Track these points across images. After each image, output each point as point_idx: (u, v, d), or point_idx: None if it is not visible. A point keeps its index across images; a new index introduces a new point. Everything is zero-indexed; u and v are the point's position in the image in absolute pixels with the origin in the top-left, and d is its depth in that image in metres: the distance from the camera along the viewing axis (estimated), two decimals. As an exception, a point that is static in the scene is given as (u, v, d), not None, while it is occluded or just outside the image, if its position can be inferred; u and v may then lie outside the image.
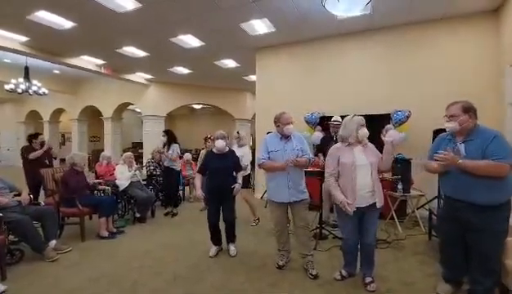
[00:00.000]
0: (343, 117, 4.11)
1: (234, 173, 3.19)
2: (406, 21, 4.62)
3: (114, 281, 2.60)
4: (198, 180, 3.21)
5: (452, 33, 4.48)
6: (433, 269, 2.73)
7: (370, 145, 2.43)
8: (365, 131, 2.34)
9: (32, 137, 4.80)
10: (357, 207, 2.28)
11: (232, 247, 3.18)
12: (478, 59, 4.32)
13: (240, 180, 3.19)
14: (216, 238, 3.20)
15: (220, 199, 3.11)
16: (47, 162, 4.65)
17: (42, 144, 4.76)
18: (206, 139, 5.10)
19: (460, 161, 1.94)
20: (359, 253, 2.50)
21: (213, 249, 3.18)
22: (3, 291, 2.34)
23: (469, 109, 2.03)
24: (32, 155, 4.51)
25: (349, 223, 2.39)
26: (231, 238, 3.22)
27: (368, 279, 2.44)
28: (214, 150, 3.19)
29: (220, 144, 3.11)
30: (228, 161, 3.14)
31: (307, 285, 2.50)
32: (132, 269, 2.83)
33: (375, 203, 2.31)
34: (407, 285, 2.49)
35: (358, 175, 2.28)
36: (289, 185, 2.63)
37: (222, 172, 3.08)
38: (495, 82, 4.13)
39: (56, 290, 2.46)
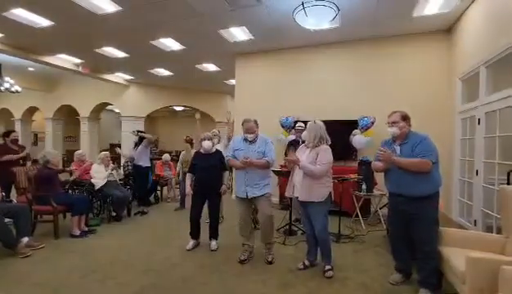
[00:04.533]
0: (305, 122, 4.50)
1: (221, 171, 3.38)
2: (371, 35, 5.04)
3: (85, 275, 2.67)
4: (188, 179, 3.42)
5: (411, 47, 4.95)
6: (385, 259, 3.04)
7: (323, 149, 2.65)
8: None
9: (4, 135, 4.68)
10: (297, 198, 2.71)
11: (214, 243, 3.35)
12: (434, 72, 4.80)
13: (225, 181, 3.40)
14: (194, 232, 3.36)
15: (205, 196, 3.31)
16: (20, 161, 4.55)
17: (14, 141, 4.66)
18: (187, 140, 5.28)
19: (394, 158, 2.34)
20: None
21: (191, 243, 3.33)
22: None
23: (405, 117, 2.44)
24: (5, 158, 4.40)
25: (302, 215, 2.76)
26: (214, 234, 3.39)
27: (327, 267, 2.70)
28: (202, 150, 3.40)
29: (207, 144, 3.35)
30: (214, 160, 3.35)
31: (270, 274, 2.71)
32: (103, 264, 2.90)
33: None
34: (361, 272, 2.77)
35: (296, 170, 2.74)
36: (246, 183, 2.90)
37: (208, 171, 3.28)
38: (447, 93, 4.60)
39: (25, 283, 2.50)
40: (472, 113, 3.71)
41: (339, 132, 4.50)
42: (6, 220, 3.10)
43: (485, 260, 1.78)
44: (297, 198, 2.74)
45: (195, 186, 3.33)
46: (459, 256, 2.07)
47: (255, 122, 2.97)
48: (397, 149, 2.45)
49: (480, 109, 3.44)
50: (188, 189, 3.35)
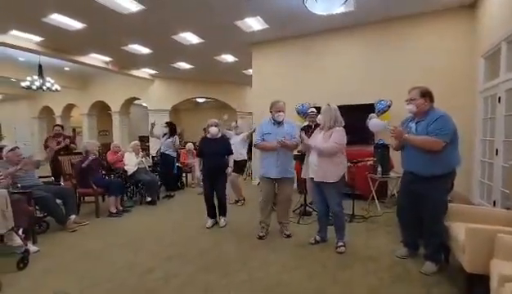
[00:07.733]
0: (317, 108, 4.57)
1: (226, 156, 3.63)
2: (388, 17, 4.93)
3: (123, 247, 3.09)
4: (197, 164, 3.69)
5: (430, 27, 4.77)
6: (397, 237, 3.11)
7: (336, 130, 2.78)
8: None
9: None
10: (311, 178, 2.84)
11: (222, 220, 3.66)
12: (454, 51, 4.62)
13: (231, 164, 3.65)
14: (211, 212, 3.68)
15: (213, 178, 3.58)
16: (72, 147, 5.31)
17: (57, 135, 5.29)
18: (205, 129, 5.57)
19: (406, 135, 2.32)
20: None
21: (209, 221, 3.67)
22: (36, 251, 2.87)
23: (425, 94, 2.32)
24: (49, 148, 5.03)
25: (315, 194, 2.92)
26: (223, 212, 3.70)
27: (339, 243, 2.87)
28: (209, 136, 3.65)
29: (213, 130, 3.59)
30: (220, 145, 3.60)
31: (283, 247, 2.95)
32: (137, 238, 3.33)
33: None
34: (371, 247, 2.92)
35: (312, 152, 2.85)
36: (277, 164, 3.06)
37: (214, 155, 3.54)
38: (469, 72, 4.43)
39: (75, 251, 2.98)
40: (493, 92, 3.59)
41: (356, 116, 4.53)
42: (57, 201, 3.62)
43: (483, 229, 1.85)
44: (311, 178, 2.87)
45: (204, 169, 3.60)
46: (463, 229, 2.15)
47: (283, 103, 3.13)
48: (413, 126, 2.39)
49: (501, 86, 3.33)
50: (198, 173, 3.63)
